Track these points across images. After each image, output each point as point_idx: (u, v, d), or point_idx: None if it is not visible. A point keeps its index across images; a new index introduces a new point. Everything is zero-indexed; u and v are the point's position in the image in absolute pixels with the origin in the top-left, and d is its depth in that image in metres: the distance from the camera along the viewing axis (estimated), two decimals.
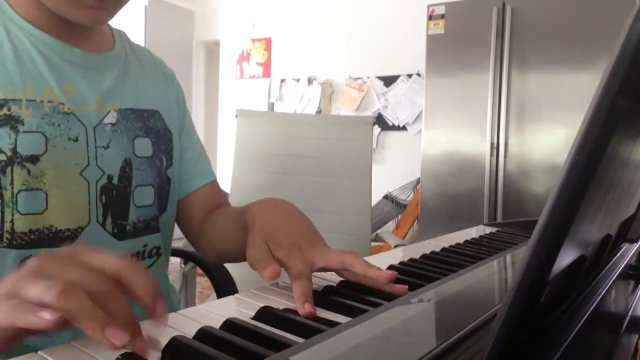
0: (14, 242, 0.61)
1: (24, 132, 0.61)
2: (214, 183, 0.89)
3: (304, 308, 0.51)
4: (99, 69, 0.71)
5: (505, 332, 0.25)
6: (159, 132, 0.78)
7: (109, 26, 0.78)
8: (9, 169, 0.60)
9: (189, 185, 0.85)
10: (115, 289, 0.40)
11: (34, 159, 0.61)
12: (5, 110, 0.60)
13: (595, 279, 0.48)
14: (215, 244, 0.83)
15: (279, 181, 1.88)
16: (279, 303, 0.52)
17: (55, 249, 0.63)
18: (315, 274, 0.66)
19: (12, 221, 0.60)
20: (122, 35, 0.81)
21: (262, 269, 0.57)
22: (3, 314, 0.37)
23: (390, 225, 3.52)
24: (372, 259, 0.74)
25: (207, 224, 0.85)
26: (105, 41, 0.75)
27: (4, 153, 0.60)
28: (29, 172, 0.61)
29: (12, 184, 0.60)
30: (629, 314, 0.62)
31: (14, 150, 0.60)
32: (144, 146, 0.74)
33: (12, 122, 0.60)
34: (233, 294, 0.56)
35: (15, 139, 0.60)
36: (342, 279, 0.61)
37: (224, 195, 0.91)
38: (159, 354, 0.39)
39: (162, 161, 0.78)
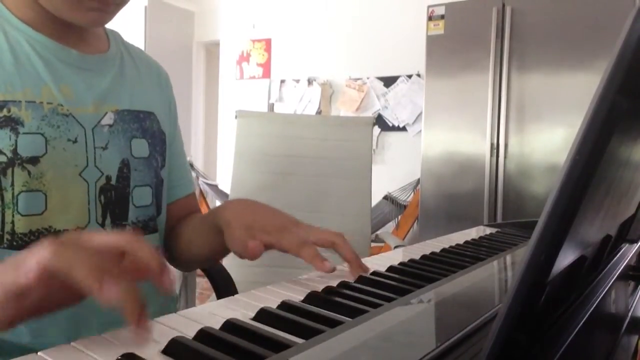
0: (14, 243, 0.61)
1: (24, 133, 0.61)
2: (192, 195, 0.91)
3: (324, 265, 0.62)
4: (95, 70, 0.71)
5: (505, 333, 0.25)
6: (154, 133, 0.78)
7: (103, 27, 0.78)
8: (9, 171, 0.60)
9: (171, 193, 0.86)
10: (123, 270, 0.42)
11: (34, 160, 0.61)
12: (5, 112, 0.60)
13: (595, 280, 0.48)
14: (183, 250, 0.85)
15: (278, 182, 1.88)
16: (278, 304, 0.52)
17: None
18: (314, 273, 0.66)
19: (12, 222, 0.60)
20: (117, 35, 0.81)
21: (245, 247, 0.65)
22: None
23: (390, 225, 3.52)
24: (372, 260, 0.74)
25: (175, 232, 0.86)
26: (100, 43, 0.75)
27: (5, 154, 0.60)
28: (29, 173, 0.61)
29: (12, 185, 0.60)
30: (629, 314, 0.62)
31: (15, 151, 0.60)
32: (141, 147, 0.75)
33: (12, 123, 0.60)
34: (233, 295, 0.56)
35: (16, 141, 0.60)
36: (342, 279, 0.61)
37: (198, 206, 0.93)
38: (160, 354, 0.39)
39: (157, 162, 0.78)
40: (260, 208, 0.73)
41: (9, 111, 0.60)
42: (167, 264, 0.44)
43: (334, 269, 0.63)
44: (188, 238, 0.84)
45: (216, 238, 0.74)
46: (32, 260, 0.40)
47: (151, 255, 0.43)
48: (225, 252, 0.79)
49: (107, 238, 0.43)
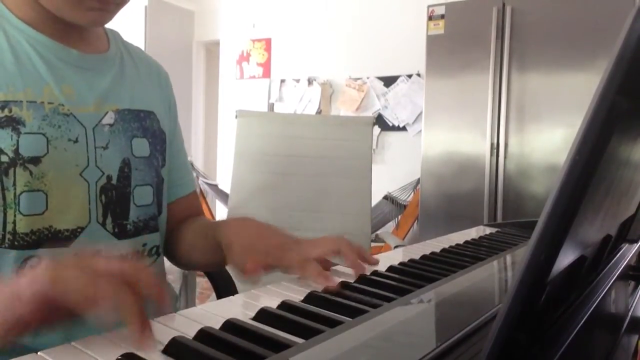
0: (15, 243, 0.61)
1: (25, 133, 0.61)
2: (194, 194, 0.91)
3: (330, 282, 0.59)
4: (96, 70, 0.71)
5: (505, 333, 0.25)
6: (154, 133, 0.78)
7: (103, 27, 0.78)
8: (11, 171, 0.60)
9: (172, 192, 0.86)
10: (124, 286, 0.41)
11: (35, 160, 0.61)
12: (6, 112, 0.60)
13: (595, 280, 0.48)
14: (183, 255, 0.86)
15: (279, 182, 1.88)
16: (278, 303, 0.52)
17: (54, 249, 0.63)
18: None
19: (14, 222, 0.60)
20: (116, 35, 0.81)
21: (244, 270, 0.65)
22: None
23: (390, 225, 3.51)
24: None
25: (177, 234, 0.86)
26: (100, 42, 0.75)
27: (7, 154, 0.60)
28: (31, 173, 0.61)
29: (14, 185, 0.60)
30: (629, 314, 0.62)
31: (16, 151, 0.60)
32: (142, 146, 0.75)
33: (14, 123, 0.60)
34: (233, 295, 0.56)
35: (17, 141, 0.60)
36: (341, 279, 0.61)
37: (200, 205, 0.93)
38: (160, 355, 0.39)
39: (158, 161, 0.78)
40: (261, 228, 0.74)
41: (10, 111, 0.60)
42: (167, 293, 0.44)
43: (341, 285, 0.61)
44: (190, 244, 0.84)
45: (217, 254, 0.75)
46: (31, 290, 0.40)
47: (152, 284, 0.43)
48: (225, 265, 0.80)
49: (109, 264, 0.43)
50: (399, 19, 3.85)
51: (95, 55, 0.72)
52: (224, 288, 1.14)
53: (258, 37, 4.63)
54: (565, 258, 0.29)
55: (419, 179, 3.06)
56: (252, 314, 0.48)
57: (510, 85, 2.57)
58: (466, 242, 0.92)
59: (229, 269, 0.72)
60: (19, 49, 0.64)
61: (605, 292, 0.46)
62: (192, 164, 3.64)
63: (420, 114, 3.44)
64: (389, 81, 3.91)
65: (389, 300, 0.53)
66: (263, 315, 0.48)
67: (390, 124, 3.90)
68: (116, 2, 0.65)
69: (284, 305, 0.51)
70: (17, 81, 0.62)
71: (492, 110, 2.59)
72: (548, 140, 2.49)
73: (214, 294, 1.19)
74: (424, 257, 0.76)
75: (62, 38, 0.68)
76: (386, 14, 3.93)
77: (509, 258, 0.77)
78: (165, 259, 0.84)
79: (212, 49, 5.27)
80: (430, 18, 2.76)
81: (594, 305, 0.41)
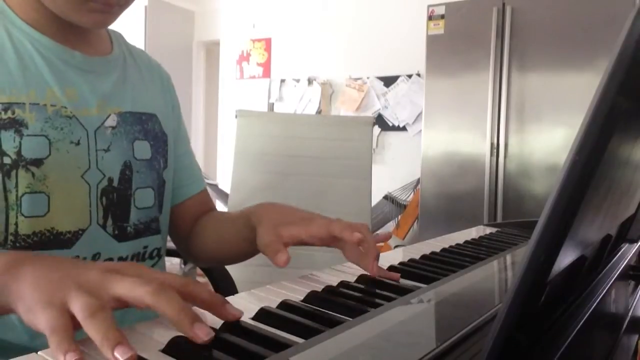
0: (17, 244, 0.61)
1: (28, 135, 0.61)
2: (205, 192, 0.90)
3: (354, 236, 0.61)
4: (99, 72, 0.71)
5: (505, 332, 0.25)
6: (156, 135, 0.78)
7: (106, 28, 0.78)
8: (13, 172, 0.60)
9: (180, 193, 0.86)
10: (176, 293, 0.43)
11: (38, 162, 0.62)
12: (9, 114, 0.60)
13: (595, 279, 0.48)
14: (210, 247, 0.84)
15: (279, 181, 1.88)
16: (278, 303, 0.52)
17: (56, 251, 0.63)
18: (313, 273, 0.66)
19: (16, 223, 0.61)
20: (119, 37, 0.81)
21: (272, 253, 0.62)
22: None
23: (390, 225, 3.52)
24: None
25: (198, 229, 0.85)
26: (103, 44, 0.75)
27: (9, 156, 0.60)
28: (33, 175, 0.61)
29: (16, 186, 0.60)
30: (629, 314, 0.62)
31: (19, 153, 0.60)
32: (143, 149, 0.75)
33: (17, 125, 0.61)
34: (233, 295, 0.56)
35: (20, 143, 0.60)
36: (342, 279, 0.61)
37: (212, 202, 0.93)
38: (160, 354, 0.39)
39: (160, 163, 0.78)
40: (289, 207, 0.74)
41: (13, 113, 0.60)
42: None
43: (361, 240, 0.61)
44: (215, 239, 0.83)
45: (248, 239, 0.72)
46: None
47: (211, 296, 0.44)
48: (253, 252, 0.77)
49: (167, 277, 0.44)
50: (398, 19, 3.85)
51: (99, 58, 0.72)
52: (224, 288, 1.14)
53: (258, 37, 4.63)
54: (565, 258, 0.29)
55: (419, 179, 3.06)
56: (252, 314, 0.48)
57: (510, 85, 2.57)
58: (466, 242, 0.92)
59: (257, 241, 0.68)
60: (23, 51, 0.64)
61: (605, 292, 0.46)
62: None
63: (420, 114, 3.44)
64: (389, 81, 3.91)
65: (389, 300, 0.53)
66: (263, 315, 0.48)
67: (390, 124, 3.90)
68: (119, 4, 0.65)
69: (284, 305, 0.51)
70: (21, 83, 0.62)
71: (492, 110, 2.59)
72: (548, 140, 2.49)
73: None
74: (424, 256, 0.76)
75: (65, 40, 0.68)
76: (386, 14, 3.94)
77: (509, 258, 0.77)
78: (163, 260, 0.84)
79: (212, 49, 5.27)
80: (430, 18, 2.77)
81: (594, 305, 0.41)
